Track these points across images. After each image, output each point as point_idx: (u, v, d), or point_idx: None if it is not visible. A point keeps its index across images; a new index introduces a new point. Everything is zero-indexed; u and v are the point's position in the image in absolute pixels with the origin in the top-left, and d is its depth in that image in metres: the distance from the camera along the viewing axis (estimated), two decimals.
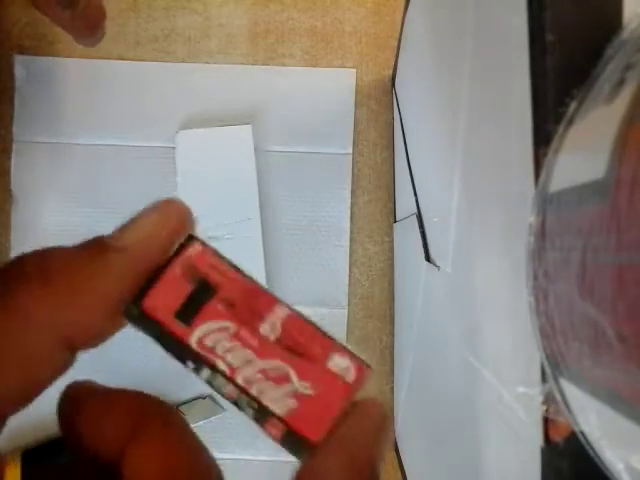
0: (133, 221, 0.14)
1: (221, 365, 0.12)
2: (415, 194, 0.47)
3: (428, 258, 0.42)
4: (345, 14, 0.63)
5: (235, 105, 0.62)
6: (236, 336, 0.12)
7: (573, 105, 0.17)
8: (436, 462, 0.40)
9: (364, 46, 0.63)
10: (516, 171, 0.21)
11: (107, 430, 0.13)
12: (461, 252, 0.32)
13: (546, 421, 0.19)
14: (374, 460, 0.12)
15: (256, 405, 0.12)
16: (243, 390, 0.12)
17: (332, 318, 0.61)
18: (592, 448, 0.16)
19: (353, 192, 0.63)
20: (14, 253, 0.62)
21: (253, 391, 0.12)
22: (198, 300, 0.13)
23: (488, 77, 0.26)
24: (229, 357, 0.12)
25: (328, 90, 0.63)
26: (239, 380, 0.12)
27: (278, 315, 0.12)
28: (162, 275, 0.13)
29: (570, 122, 0.17)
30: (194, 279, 0.13)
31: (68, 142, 0.61)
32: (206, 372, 0.13)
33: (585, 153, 0.16)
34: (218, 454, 0.59)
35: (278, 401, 0.12)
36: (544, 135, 0.18)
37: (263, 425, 0.12)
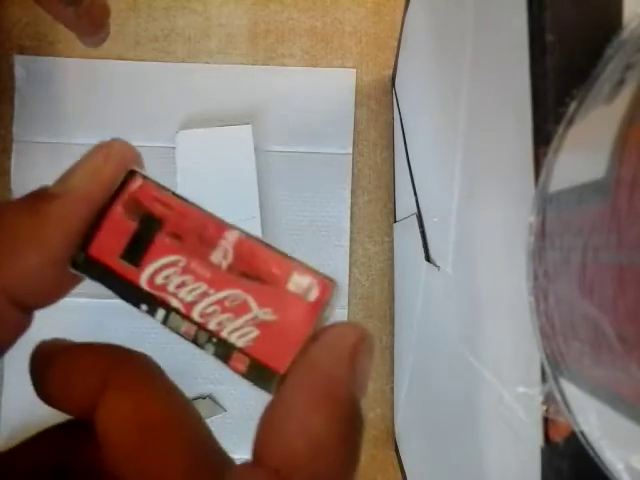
0: (74, 165, 0.13)
1: (174, 302, 0.11)
2: (415, 194, 0.47)
3: (428, 258, 0.42)
4: (345, 14, 0.63)
5: (235, 105, 0.62)
6: (187, 269, 0.11)
7: (573, 105, 0.17)
8: (436, 462, 0.40)
9: (364, 46, 0.63)
10: (516, 171, 0.21)
11: (77, 384, 0.13)
12: (461, 252, 0.32)
13: (546, 421, 0.19)
14: (352, 389, 0.11)
15: (216, 340, 0.11)
16: (201, 326, 0.11)
17: (332, 318, 0.61)
18: (592, 448, 0.16)
19: (353, 192, 0.63)
20: None
21: (211, 325, 0.11)
22: (144, 237, 0.12)
23: (488, 77, 0.26)
24: (182, 293, 0.11)
25: (328, 90, 0.63)
26: (195, 316, 0.11)
27: (229, 240, 0.11)
28: (105, 216, 0.12)
29: (570, 122, 0.17)
30: (138, 215, 0.12)
31: (68, 142, 0.61)
32: (161, 313, 0.11)
33: (585, 153, 0.16)
34: None
35: (239, 332, 0.11)
36: (544, 135, 0.18)
37: (227, 361, 0.11)
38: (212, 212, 0.12)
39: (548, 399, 0.18)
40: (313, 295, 0.11)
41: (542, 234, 0.17)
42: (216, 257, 0.11)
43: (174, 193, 0.13)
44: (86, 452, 0.13)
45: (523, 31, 0.19)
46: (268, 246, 0.12)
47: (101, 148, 0.13)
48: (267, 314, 0.11)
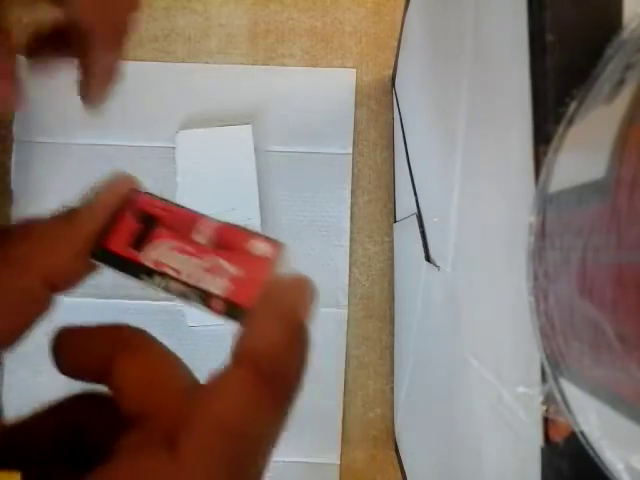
0: (92, 198, 0.17)
1: (169, 271, 0.15)
2: (415, 194, 0.47)
3: (428, 258, 0.42)
4: (345, 14, 0.63)
5: (235, 105, 0.62)
6: (177, 248, 0.16)
7: (573, 105, 0.17)
8: (436, 462, 0.40)
9: (364, 46, 0.63)
10: (516, 171, 0.21)
11: (93, 353, 0.17)
12: (461, 252, 0.32)
13: (546, 421, 0.19)
14: (300, 313, 0.15)
15: (199, 292, 0.15)
16: (188, 284, 0.15)
17: (332, 318, 0.62)
18: (592, 448, 0.16)
19: (353, 192, 0.63)
20: None
21: (195, 282, 0.15)
22: (146, 231, 0.17)
23: (488, 77, 0.26)
24: (174, 263, 0.16)
25: (328, 90, 0.63)
26: (184, 277, 0.15)
27: (207, 226, 0.16)
28: (117, 221, 0.17)
29: (570, 122, 0.17)
30: (141, 218, 0.17)
31: (68, 142, 0.61)
32: (158, 279, 0.16)
33: (585, 153, 0.16)
34: None
35: (216, 285, 0.15)
36: (544, 135, 0.18)
37: (209, 305, 0.15)
38: (195, 210, 0.16)
39: (548, 399, 0.18)
40: (268, 253, 0.15)
41: (542, 234, 0.17)
42: (198, 238, 0.16)
43: (168, 201, 0.17)
44: (99, 415, 0.17)
45: (523, 31, 0.19)
46: (234, 226, 0.16)
47: (111, 186, 0.17)
48: (236, 270, 0.15)
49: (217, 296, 0.15)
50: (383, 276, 0.62)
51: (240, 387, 0.14)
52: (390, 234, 0.62)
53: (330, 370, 0.61)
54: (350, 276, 0.62)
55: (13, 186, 0.61)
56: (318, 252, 0.62)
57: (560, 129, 0.17)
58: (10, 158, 0.61)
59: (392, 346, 0.62)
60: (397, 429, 0.60)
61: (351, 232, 0.62)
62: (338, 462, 0.61)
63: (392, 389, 0.61)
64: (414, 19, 0.47)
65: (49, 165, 0.61)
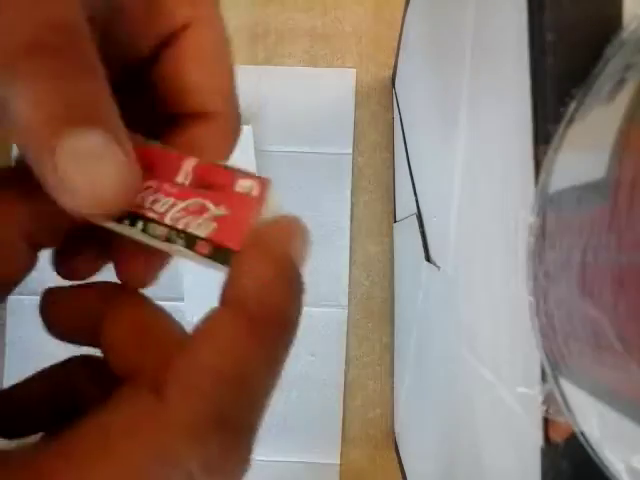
0: None
1: (151, 214, 0.15)
2: (415, 194, 0.47)
3: (428, 258, 0.42)
4: (345, 14, 0.63)
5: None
6: (159, 190, 0.15)
7: (573, 105, 0.17)
8: (436, 462, 0.40)
9: (364, 46, 0.63)
10: (516, 171, 0.21)
11: (82, 313, 0.16)
12: (461, 252, 0.32)
13: (546, 421, 0.19)
14: (292, 253, 0.14)
15: (184, 235, 0.14)
16: (172, 228, 0.14)
17: (332, 318, 0.62)
18: (592, 448, 0.16)
19: (353, 192, 0.63)
20: None
21: (180, 225, 0.14)
22: None
23: (488, 77, 0.26)
24: (156, 207, 0.15)
25: (328, 90, 0.63)
26: (167, 221, 0.14)
27: (188, 165, 0.15)
28: None
29: (570, 122, 0.17)
30: None
31: None
32: (140, 223, 0.15)
33: (585, 153, 0.16)
34: None
35: (201, 227, 0.14)
36: (544, 135, 0.18)
37: (194, 249, 0.14)
38: (171, 148, 0.15)
39: (548, 399, 0.18)
40: (255, 192, 0.14)
41: (542, 234, 0.17)
42: (179, 178, 0.15)
43: (147, 140, 0.16)
44: (95, 378, 0.17)
45: (523, 31, 0.19)
46: (217, 164, 0.15)
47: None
48: (221, 210, 0.14)
49: (203, 239, 0.14)
50: (383, 276, 0.62)
51: (229, 329, 0.13)
52: (390, 234, 0.62)
53: (330, 370, 0.61)
54: (350, 276, 0.62)
55: None
56: (318, 252, 0.62)
57: (560, 129, 0.17)
58: (10, 159, 0.61)
59: (392, 346, 0.62)
60: (397, 429, 0.60)
61: (351, 232, 0.62)
62: (338, 462, 0.61)
63: (392, 389, 0.61)
64: (414, 19, 0.47)
65: None
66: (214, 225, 0.14)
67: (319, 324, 0.61)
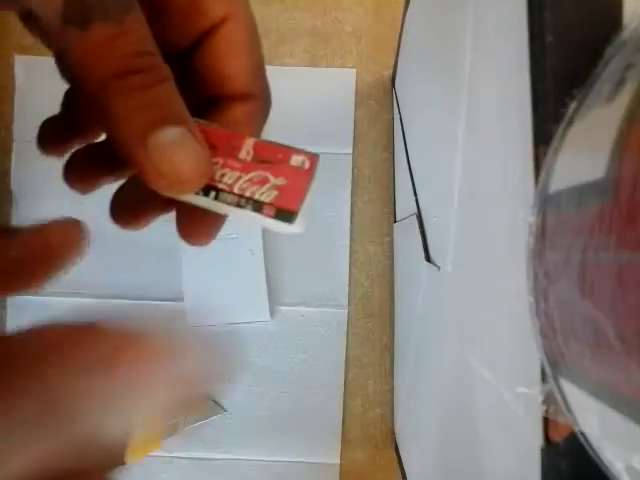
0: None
1: (220, 185, 0.17)
2: (415, 194, 0.47)
3: (428, 258, 0.42)
4: (345, 14, 0.63)
5: None
6: (225, 165, 0.17)
7: (573, 105, 0.17)
8: (436, 462, 0.40)
9: (364, 46, 0.63)
10: (516, 171, 0.21)
11: None
12: (461, 252, 0.32)
13: (546, 421, 0.19)
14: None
15: (252, 202, 0.17)
16: (240, 196, 0.17)
17: (332, 318, 0.62)
18: (592, 448, 0.16)
19: (353, 192, 0.63)
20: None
21: (247, 193, 0.17)
22: None
23: (488, 77, 0.26)
24: (225, 179, 0.17)
25: (328, 90, 0.63)
26: (236, 190, 0.17)
27: (249, 144, 0.18)
28: None
29: (570, 122, 0.17)
30: None
31: None
32: (212, 193, 0.17)
33: (585, 153, 0.16)
34: (218, 454, 0.59)
35: (264, 194, 0.17)
36: (544, 135, 0.18)
37: (261, 211, 0.17)
38: (233, 132, 0.18)
39: (548, 399, 0.18)
40: (306, 165, 0.17)
41: (542, 234, 0.17)
42: (242, 155, 0.17)
43: (208, 123, 0.18)
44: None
45: (523, 31, 0.19)
46: (274, 143, 0.18)
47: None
48: (280, 181, 0.17)
49: (268, 203, 0.17)
50: (383, 276, 0.62)
51: None
52: (390, 234, 0.62)
53: (330, 370, 0.61)
54: (350, 276, 0.62)
55: (13, 186, 0.61)
56: (318, 252, 0.62)
57: (560, 129, 0.17)
58: (10, 158, 0.61)
59: (392, 346, 0.62)
60: (397, 429, 0.60)
61: (351, 232, 0.62)
62: (338, 462, 0.61)
63: (392, 389, 0.61)
64: (414, 19, 0.47)
65: (49, 165, 0.61)
66: (275, 193, 0.17)
67: (319, 324, 0.61)
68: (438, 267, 0.38)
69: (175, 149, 0.16)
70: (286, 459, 0.61)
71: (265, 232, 0.60)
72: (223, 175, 0.17)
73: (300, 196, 0.17)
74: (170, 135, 0.16)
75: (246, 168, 0.17)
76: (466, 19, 0.28)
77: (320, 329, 0.61)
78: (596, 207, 0.14)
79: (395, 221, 0.61)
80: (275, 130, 0.69)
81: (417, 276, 0.46)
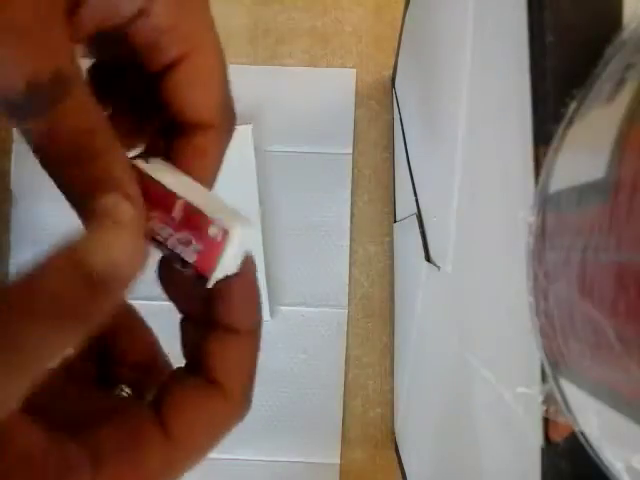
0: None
1: (158, 237, 0.19)
2: (415, 194, 0.47)
3: (428, 258, 0.42)
4: (345, 14, 0.63)
5: (235, 105, 0.62)
6: (160, 220, 0.19)
7: (573, 105, 0.17)
8: (436, 462, 0.40)
9: (364, 46, 0.63)
10: (516, 171, 0.21)
11: None
12: (461, 252, 0.32)
13: (546, 421, 0.19)
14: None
15: (180, 258, 0.19)
16: (172, 251, 0.19)
17: (332, 318, 0.61)
18: (592, 448, 0.16)
19: (353, 192, 0.63)
20: (14, 253, 0.62)
21: (177, 250, 0.19)
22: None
23: (488, 77, 0.26)
24: (162, 232, 0.19)
25: (328, 90, 0.63)
26: (168, 245, 0.19)
27: (180, 204, 0.19)
28: None
29: (570, 122, 0.17)
30: None
31: None
32: (155, 243, 0.19)
33: (585, 153, 0.16)
34: (218, 454, 0.59)
35: (188, 255, 0.18)
36: (544, 135, 0.18)
37: (185, 268, 0.19)
38: (169, 188, 0.19)
39: (548, 399, 0.18)
40: (219, 238, 0.18)
41: (542, 234, 0.17)
42: (175, 213, 0.19)
43: (153, 165, 0.20)
44: None
45: (523, 31, 0.19)
46: (198, 208, 0.19)
47: None
48: (199, 247, 0.18)
49: (190, 264, 0.19)
50: (383, 276, 0.62)
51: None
52: (390, 234, 0.62)
53: (330, 370, 0.61)
54: (350, 276, 0.62)
55: (13, 186, 0.61)
56: (318, 252, 0.62)
57: (560, 129, 0.17)
58: (10, 159, 0.61)
59: (392, 346, 0.62)
60: (397, 429, 0.60)
61: (351, 232, 0.62)
62: (338, 462, 0.61)
63: (392, 389, 0.61)
64: (414, 19, 0.47)
65: None
66: (195, 257, 0.18)
67: (319, 324, 0.61)
68: (438, 267, 0.38)
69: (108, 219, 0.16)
70: (286, 459, 0.61)
71: (265, 232, 0.61)
72: (161, 229, 0.19)
73: (212, 265, 0.18)
74: (105, 204, 0.17)
75: (177, 227, 0.19)
76: (466, 19, 0.28)
77: (320, 329, 0.61)
78: (596, 207, 0.14)
79: (395, 221, 0.62)
80: (275, 130, 0.69)
81: (417, 276, 0.46)
